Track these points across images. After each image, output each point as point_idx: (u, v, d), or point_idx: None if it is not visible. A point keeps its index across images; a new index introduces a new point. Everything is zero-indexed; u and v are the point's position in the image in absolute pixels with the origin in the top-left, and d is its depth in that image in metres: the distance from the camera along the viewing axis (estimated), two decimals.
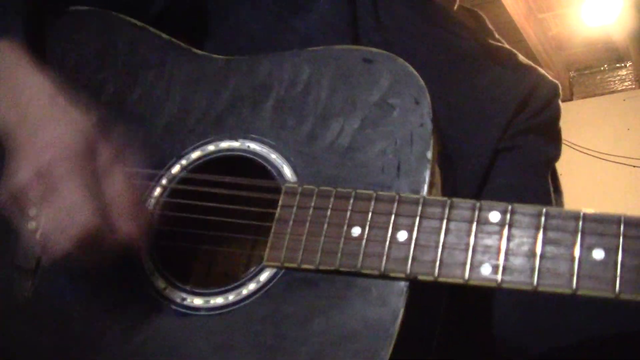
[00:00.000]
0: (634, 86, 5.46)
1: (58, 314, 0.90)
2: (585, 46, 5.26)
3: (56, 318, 0.90)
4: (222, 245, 0.94)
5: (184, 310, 0.83)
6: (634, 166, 4.76)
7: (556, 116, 1.13)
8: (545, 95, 1.11)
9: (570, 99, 5.49)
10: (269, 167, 0.87)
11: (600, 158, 4.83)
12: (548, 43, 5.14)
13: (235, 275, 0.87)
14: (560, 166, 1.14)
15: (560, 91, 1.15)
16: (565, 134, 1.16)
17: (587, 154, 4.71)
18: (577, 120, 4.82)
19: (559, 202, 1.08)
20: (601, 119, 5.11)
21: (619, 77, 5.55)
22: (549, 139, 1.11)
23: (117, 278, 0.89)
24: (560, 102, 1.15)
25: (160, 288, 0.86)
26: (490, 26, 1.19)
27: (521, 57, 1.16)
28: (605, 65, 5.59)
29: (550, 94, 1.13)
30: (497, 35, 1.18)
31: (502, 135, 1.05)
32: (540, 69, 1.15)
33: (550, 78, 1.15)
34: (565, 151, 1.14)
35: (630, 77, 5.50)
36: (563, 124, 1.15)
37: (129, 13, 1.06)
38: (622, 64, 5.56)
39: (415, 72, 0.84)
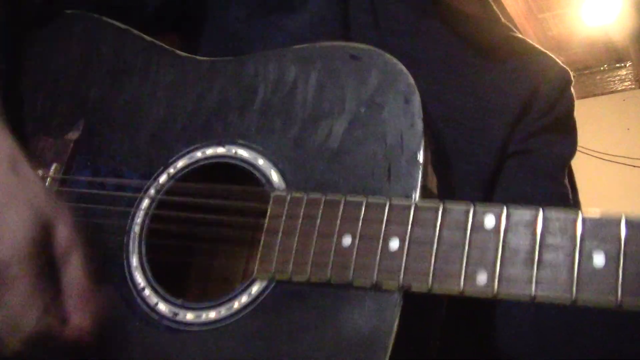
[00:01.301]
0: (634, 86, 5.44)
1: None
2: (585, 46, 5.24)
3: None
4: (217, 254, 0.92)
5: (176, 326, 0.81)
6: (634, 166, 4.73)
7: (570, 107, 1.07)
8: (556, 86, 1.05)
9: None
10: (257, 174, 0.84)
11: (600, 158, 4.81)
12: (548, 43, 5.11)
13: (233, 283, 0.85)
14: None
15: (572, 77, 1.08)
16: None
17: (587, 154, 4.69)
18: (577, 120, 4.78)
19: (575, 200, 1.03)
20: (601, 119, 5.07)
21: (619, 77, 5.52)
22: (564, 135, 1.05)
23: (110, 294, 0.86)
24: (572, 91, 1.08)
25: (152, 303, 0.83)
26: (496, 9, 1.12)
27: (529, 44, 1.09)
28: (605, 65, 5.57)
29: (561, 83, 1.06)
30: (503, 20, 1.12)
31: (509, 134, 1.00)
32: (550, 55, 1.09)
33: (561, 64, 1.08)
34: None
35: (630, 77, 5.48)
36: None
37: (120, 17, 1.04)
38: (622, 64, 5.53)
39: (404, 69, 0.80)
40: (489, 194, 0.98)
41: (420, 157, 0.76)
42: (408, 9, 1.04)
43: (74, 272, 0.78)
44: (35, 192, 0.79)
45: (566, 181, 1.03)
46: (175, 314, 0.81)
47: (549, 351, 0.90)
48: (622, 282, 0.60)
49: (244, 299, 0.78)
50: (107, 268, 0.87)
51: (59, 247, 0.78)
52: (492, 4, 1.12)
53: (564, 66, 1.08)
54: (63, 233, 0.78)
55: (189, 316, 0.80)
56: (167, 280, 0.86)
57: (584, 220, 0.63)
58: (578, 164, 1.11)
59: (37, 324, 0.74)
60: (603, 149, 4.82)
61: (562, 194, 1.01)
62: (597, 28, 4.86)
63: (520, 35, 1.10)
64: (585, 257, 0.62)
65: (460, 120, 0.97)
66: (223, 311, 0.78)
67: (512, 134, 1.00)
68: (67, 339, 0.76)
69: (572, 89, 1.08)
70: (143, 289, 0.84)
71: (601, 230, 0.62)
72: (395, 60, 0.82)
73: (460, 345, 0.90)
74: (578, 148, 1.09)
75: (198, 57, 0.97)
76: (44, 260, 0.76)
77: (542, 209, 0.66)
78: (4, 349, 0.75)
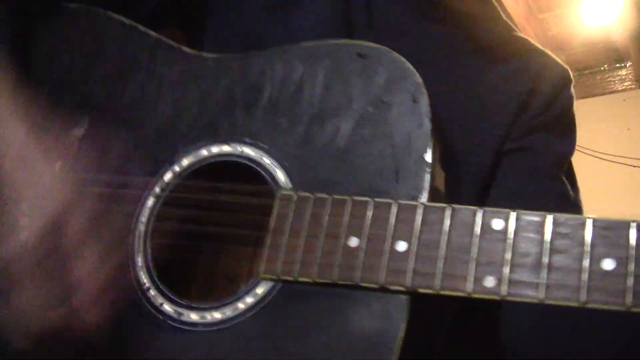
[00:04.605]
0: (634, 86, 5.44)
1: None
2: (585, 46, 5.24)
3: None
4: (222, 253, 0.92)
5: (181, 327, 0.80)
6: (634, 166, 4.73)
7: (568, 106, 1.05)
8: (554, 85, 1.03)
9: None
10: (263, 173, 0.83)
11: (600, 158, 4.81)
12: (548, 43, 5.11)
13: (238, 283, 0.84)
14: None
15: (571, 76, 1.06)
16: None
17: (587, 154, 4.68)
18: (577, 120, 4.78)
19: (575, 199, 1.02)
20: (601, 119, 5.07)
21: (619, 77, 5.52)
22: (562, 133, 1.04)
23: (115, 295, 0.86)
24: (572, 90, 1.06)
25: (157, 304, 0.83)
26: (497, 6, 1.10)
27: (530, 44, 1.08)
28: (605, 65, 5.56)
29: (559, 82, 1.04)
30: (504, 18, 1.10)
31: (506, 133, 0.99)
32: (551, 55, 1.07)
33: (561, 63, 1.07)
34: None
35: (630, 77, 5.48)
36: None
37: (121, 10, 1.03)
38: (622, 64, 5.53)
39: (412, 68, 0.80)
40: (482, 193, 0.97)
41: (429, 158, 0.75)
42: (405, 11, 1.03)
43: (85, 265, 0.78)
44: (45, 185, 0.80)
45: (564, 179, 1.01)
46: (180, 315, 0.81)
47: (555, 351, 0.90)
48: (632, 287, 0.60)
49: (249, 299, 0.77)
50: (112, 267, 0.87)
51: (70, 241, 0.78)
52: (493, 1, 1.10)
53: (565, 65, 1.07)
54: (74, 227, 0.78)
55: (194, 317, 0.80)
56: (172, 279, 0.85)
57: (593, 224, 0.63)
58: (578, 164, 1.10)
59: (46, 320, 0.75)
60: (603, 149, 4.82)
61: (561, 192, 1.00)
62: (597, 28, 4.86)
63: (521, 35, 1.09)
64: (595, 261, 0.62)
65: (458, 120, 0.97)
66: (228, 312, 0.78)
67: (510, 132, 0.99)
68: (75, 334, 0.77)
69: (572, 89, 1.07)
70: (148, 289, 0.84)
71: (610, 234, 0.62)
72: (402, 59, 0.81)
73: (467, 345, 0.89)
74: (578, 148, 1.08)
75: (204, 54, 0.96)
76: (54, 254, 0.77)
77: (552, 214, 0.66)
78: (12, 346, 0.75)
